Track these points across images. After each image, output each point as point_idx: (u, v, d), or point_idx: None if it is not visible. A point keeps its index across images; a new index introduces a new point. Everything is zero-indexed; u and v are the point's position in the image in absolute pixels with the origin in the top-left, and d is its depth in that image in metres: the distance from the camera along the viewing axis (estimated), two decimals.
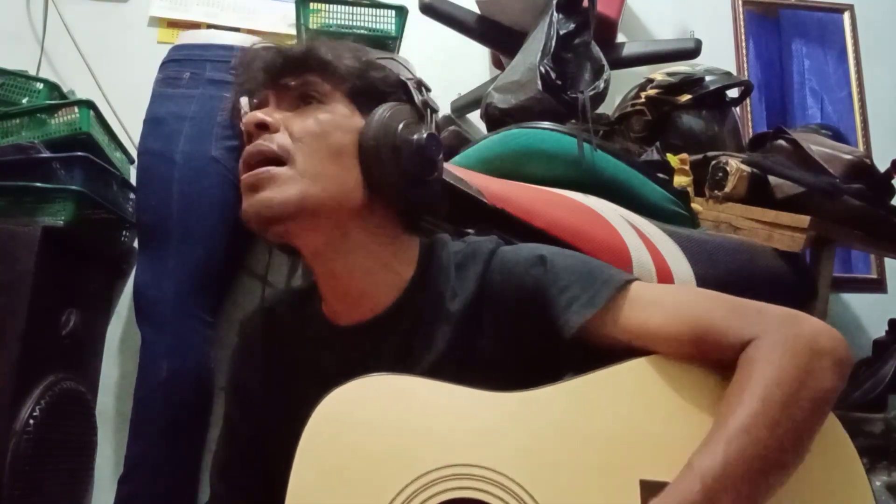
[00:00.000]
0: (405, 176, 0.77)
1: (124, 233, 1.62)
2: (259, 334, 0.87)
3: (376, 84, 0.81)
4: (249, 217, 0.74)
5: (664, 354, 0.71)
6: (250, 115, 0.76)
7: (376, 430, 0.67)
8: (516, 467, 0.65)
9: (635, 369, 0.70)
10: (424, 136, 0.78)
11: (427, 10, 1.69)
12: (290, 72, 0.79)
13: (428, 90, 0.86)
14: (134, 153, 1.57)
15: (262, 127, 0.75)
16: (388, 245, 0.80)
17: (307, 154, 0.75)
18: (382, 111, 0.78)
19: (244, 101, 0.81)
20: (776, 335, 0.66)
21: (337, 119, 0.78)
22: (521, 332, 0.76)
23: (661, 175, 1.30)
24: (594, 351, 0.74)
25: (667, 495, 0.59)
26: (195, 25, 1.86)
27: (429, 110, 0.83)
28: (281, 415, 0.81)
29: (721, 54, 1.96)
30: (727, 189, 1.29)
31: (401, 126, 0.77)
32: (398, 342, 0.78)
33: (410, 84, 0.83)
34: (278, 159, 0.74)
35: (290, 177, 0.73)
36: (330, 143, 0.76)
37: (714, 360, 0.69)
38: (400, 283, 0.80)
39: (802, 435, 0.63)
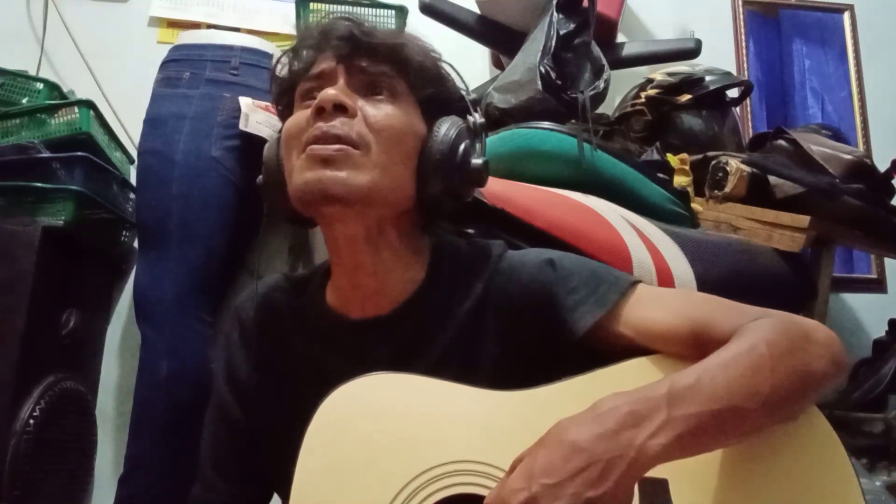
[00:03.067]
0: (453, 193, 0.79)
1: (124, 233, 1.62)
2: (254, 320, 0.86)
3: (445, 95, 0.83)
4: (311, 188, 0.72)
5: (665, 353, 0.71)
6: (330, 93, 0.74)
7: (381, 427, 0.68)
8: None
9: (636, 368, 0.70)
10: (481, 162, 0.80)
11: (427, 10, 1.69)
12: (373, 57, 0.78)
13: (478, 108, 0.86)
14: (134, 153, 1.57)
15: (340, 108, 0.74)
16: (409, 245, 0.81)
17: (384, 148, 0.74)
18: (449, 127, 0.78)
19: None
20: (773, 318, 0.67)
21: (411, 120, 0.78)
22: (526, 335, 0.77)
23: (661, 175, 1.30)
24: (596, 353, 0.74)
25: (636, 390, 0.61)
26: (195, 25, 1.86)
27: (483, 132, 0.84)
28: (279, 405, 0.81)
29: (721, 54, 1.96)
30: (727, 189, 1.29)
31: (462, 147, 0.78)
32: (403, 340, 0.78)
33: (468, 100, 0.84)
34: (354, 145, 0.73)
35: (365, 164, 0.73)
36: (403, 143, 0.76)
37: None
38: (412, 284, 0.80)
39: (777, 401, 0.62)
